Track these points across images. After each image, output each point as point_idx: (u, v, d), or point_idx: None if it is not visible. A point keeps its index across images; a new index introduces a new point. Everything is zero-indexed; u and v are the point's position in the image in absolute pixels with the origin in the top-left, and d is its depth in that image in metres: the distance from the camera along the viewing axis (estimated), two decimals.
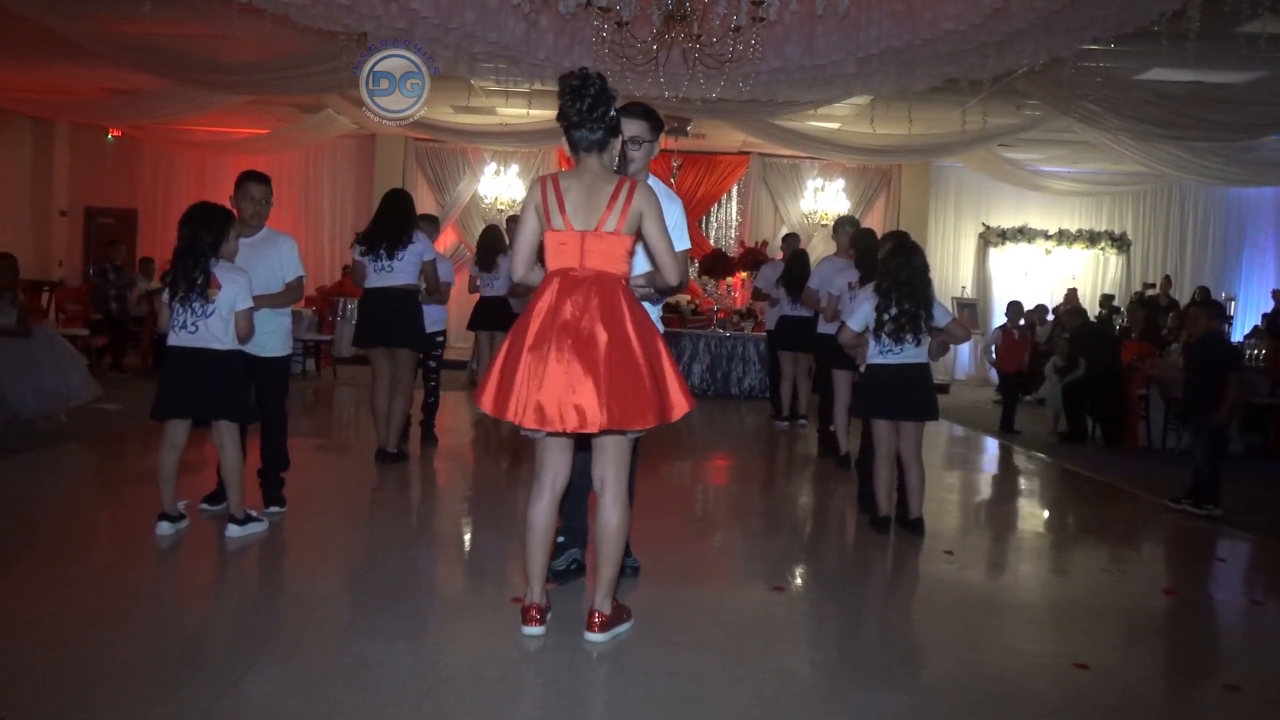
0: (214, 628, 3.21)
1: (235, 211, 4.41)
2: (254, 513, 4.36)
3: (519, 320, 3.10)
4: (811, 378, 9.04)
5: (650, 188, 3.16)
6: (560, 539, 3.66)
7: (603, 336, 2.96)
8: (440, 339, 6.78)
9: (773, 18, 6.56)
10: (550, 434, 3.07)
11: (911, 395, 4.78)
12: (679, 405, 3.07)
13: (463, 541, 4.76)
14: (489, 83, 9.84)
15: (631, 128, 3.44)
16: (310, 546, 4.33)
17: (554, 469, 3.17)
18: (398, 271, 5.86)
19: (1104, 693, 3.10)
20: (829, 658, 3.32)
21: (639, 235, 3.11)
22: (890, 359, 4.74)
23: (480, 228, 14.40)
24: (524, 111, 11.73)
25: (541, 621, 3.16)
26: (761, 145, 13.65)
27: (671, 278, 3.19)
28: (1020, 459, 8.02)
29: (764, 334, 10.71)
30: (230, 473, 4.25)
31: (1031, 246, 14.85)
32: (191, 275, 4.02)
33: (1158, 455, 8.39)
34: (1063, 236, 14.84)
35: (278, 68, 9.75)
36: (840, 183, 14.38)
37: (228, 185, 15.51)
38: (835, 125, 12.32)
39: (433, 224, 7.05)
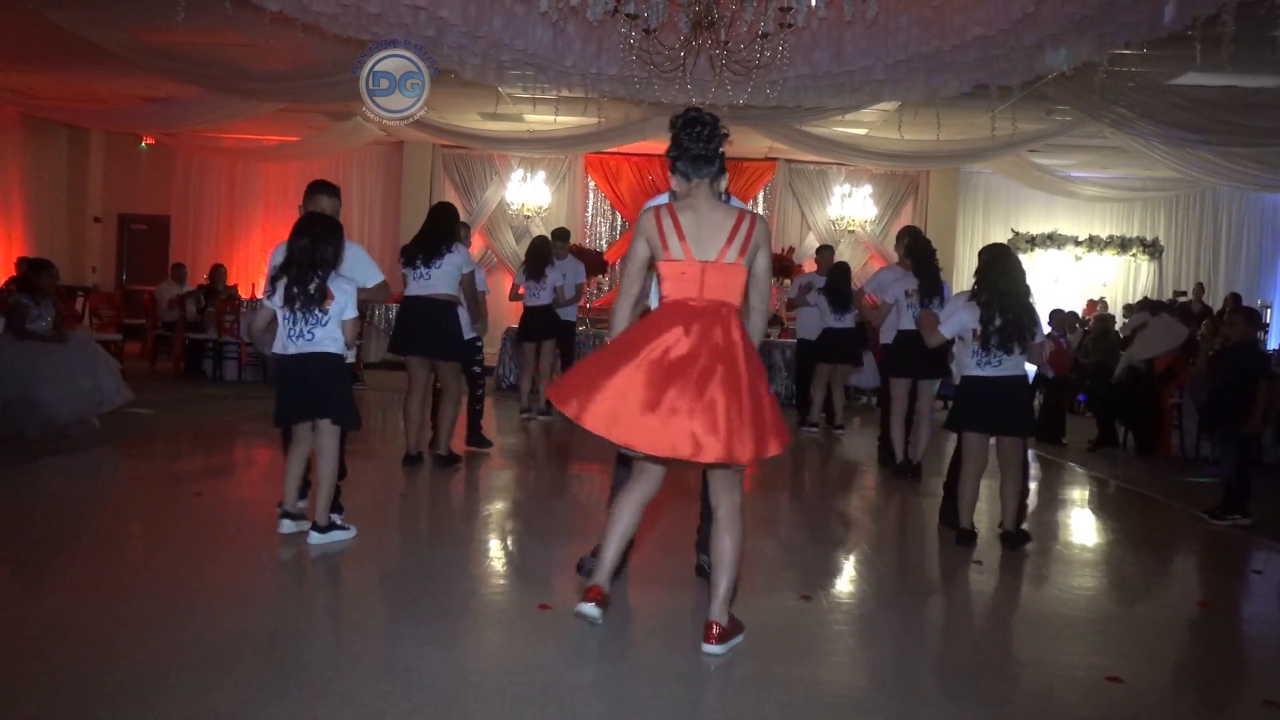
0: (245, 631, 3.23)
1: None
2: (338, 519, 4.42)
3: (626, 338, 3.14)
4: (843, 387, 9.10)
5: (765, 222, 3.25)
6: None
7: (719, 370, 2.99)
8: (479, 344, 6.82)
9: (800, 24, 6.55)
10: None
11: (1013, 409, 4.75)
12: (774, 444, 3.08)
13: (493, 547, 4.77)
14: (516, 90, 9.89)
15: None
16: (337, 553, 4.36)
17: (652, 478, 3.26)
18: (435, 280, 5.95)
19: (1138, 706, 3.05)
20: (857, 668, 3.30)
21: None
22: (989, 371, 4.71)
23: (507, 234, 14.60)
24: (551, 118, 11.77)
25: (601, 605, 3.16)
26: (788, 151, 13.62)
27: (763, 308, 3.28)
28: (1050, 468, 7.93)
29: (791, 340, 10.72)
30: (324, 478, 4.31)
31: (1061, 253, 14.71)
32: (309, 288, 4.14)
33: (1190, 464, 8.27)
34: (1093, 243, 14.68)
35: (308, 76, 9.85)
36: (868, 189, 14.32)
37: (258, 192, 15.90)
38: (863, 131, 12.26)
39: (465, 230, 7.10)
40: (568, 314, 9.01)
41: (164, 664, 2.89)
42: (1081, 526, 6.12)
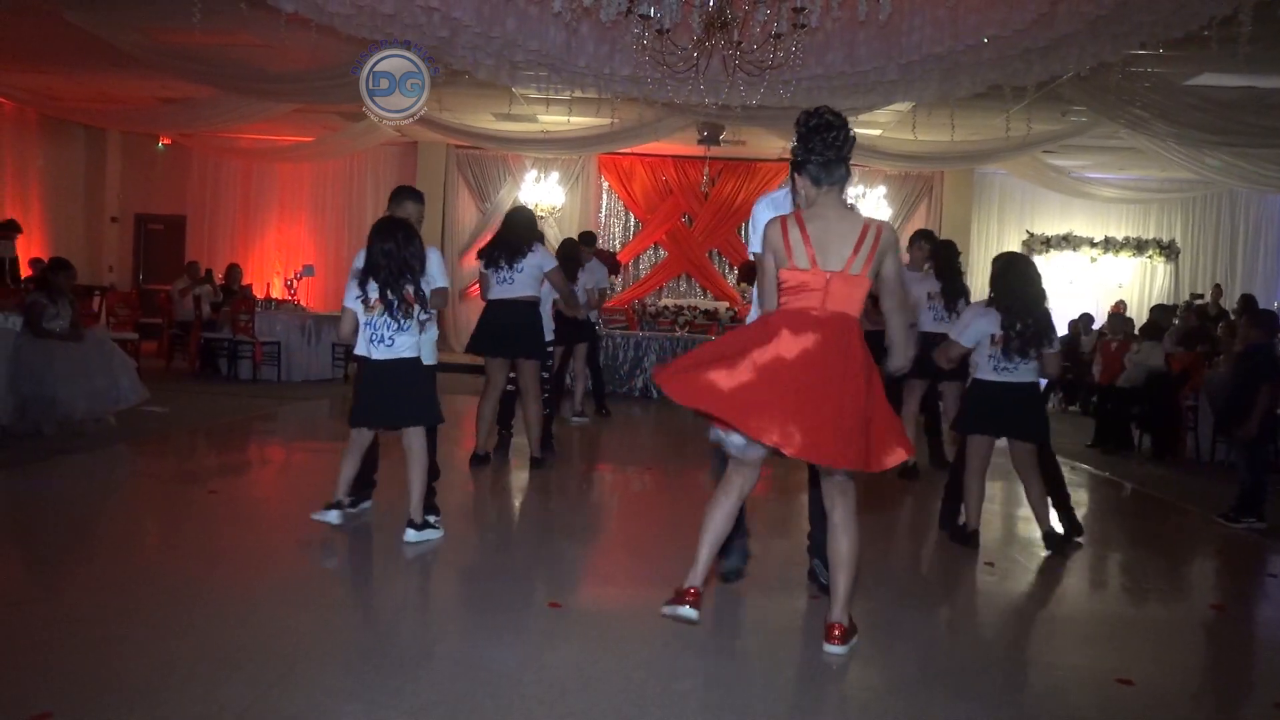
0: (256, 628, 3.26)
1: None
2: (432, 519, 4.45)
3: (744, 332, 3.15)
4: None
5: (892, 230, 3.18)
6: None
7: (836, 378, 2.97)
8: (550, 349, 6.84)
9: (814, 24, 6.54)
10: (755, 450, 3.09)
11: (1025, 414, 4.76)
12: (896, 453, 3.06)
13: (505, 546, 4.78)
14: (530, 90, 9.91)
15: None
16: (349, 550, 4.38)
17: (748, 479, 3.23)
18: (518, 283, 6.01)
19: (1148, 709, 3.04)
20: (868, 668, 3.29)
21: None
22: (1005, 376, 4.70)
23: None
24: (565, 119, 11.79)
25: (698, 605, 3.12)
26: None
27: (900, 314, 3.22)
28: (1064, 471, 7.88)
29: None
30: (414, 478, 4.36)
31: (1077, 254, 14.63)
32: (399, 288, 4.20)
33: (1206, 468, 8.21)
34: (1109, 244, 14.60)
35: (322, 77, 9.90)
36: (881, 190, 14.30)
37: (273, 192, 16.01)
38: (877, 131, 12.23)
39: (542, 233, 7.13)
40: (590, 317, 9.03)
41: (176, 660, 2.91)
42: (1094, 529, 6.09)
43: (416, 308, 4.25)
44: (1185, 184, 13.78)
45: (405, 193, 4.71)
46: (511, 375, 6.34)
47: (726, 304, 14.12)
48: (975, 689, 3.13)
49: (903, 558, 4.93)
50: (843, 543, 3.19)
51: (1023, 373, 4.69)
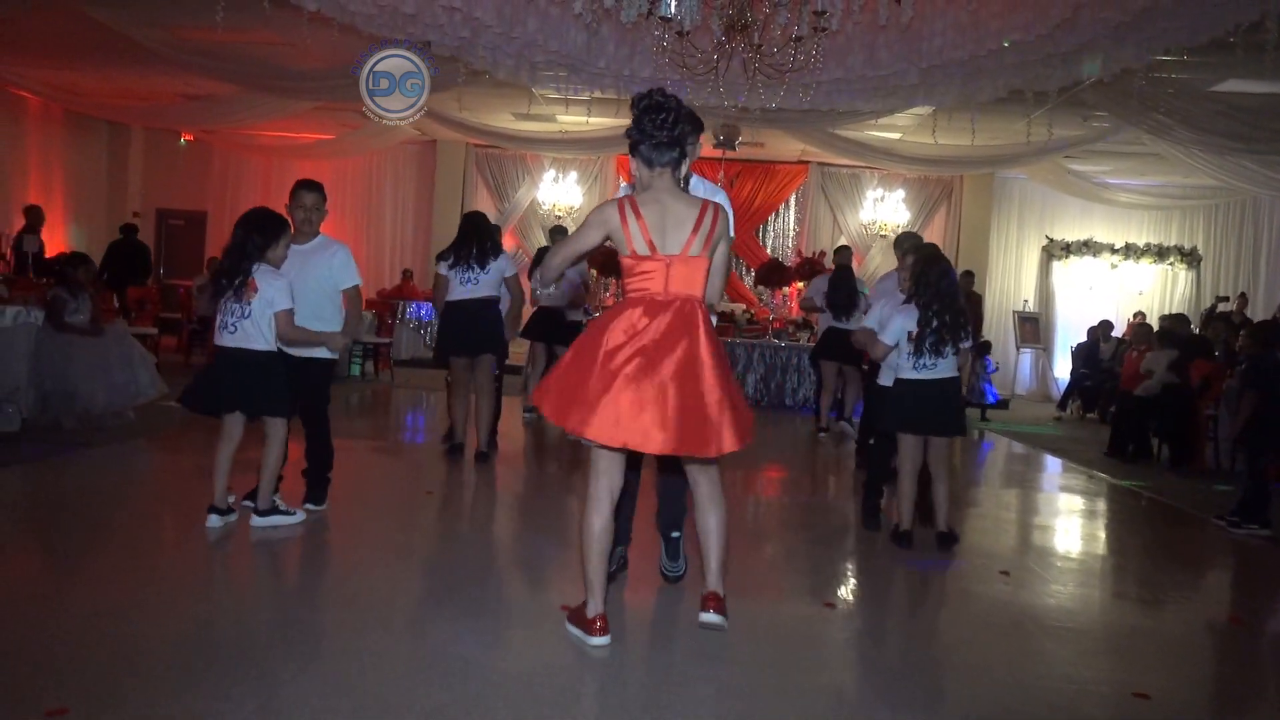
0: (270, 626, 3.27)
1: (290, 219, 4.52)
2: (281, 505, 4.47)
3: (590, 332, 3.14)
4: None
5: (726, 212, 3.22)
6: None
7: (680, 362, 2.99)
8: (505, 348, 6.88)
9: (835, 28, 6.52)
10: (610, 448, 3.10)
11: (946, 411, 4.76)
12: (732, 439, 3.07)
13: (515, 546, 4.79)
14: (549, 90, 9.92)
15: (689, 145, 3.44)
16: (363, 548, 4.40)
17: (611, 479, 3.20)
18: (483, 284, 6.14)
19: None
20: (880, 678, 3.28)
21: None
22: (925, 374, 4.70)
23: (539, 234, 14.64)
24: (583, 119, 11.81)
25: (608, 630, 3.17)
26: (821, 154, 13.57)
27: (716, 298, 3.27)
28: (1081, 479, 7.84)
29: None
30: (266, 466, 4.38)
31: (1097, 260, 14.52)
32: (234, 275, 4.17)
33: (1225, 478, 8.13)
34: (1129, 250, 14.48)
35: (343, 75, 9.90)
36: (900, 193, 14.24)
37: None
38: (897, 135, 12.19)
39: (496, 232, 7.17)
40: (574, 315, 9.02)
41: (191, 655, 2.93)
42: (1109, 538, 6.05)
43: (255, 297, 4.16)
44: (1208, 190, 13.66)
45: (301, 184, 4.74)
46: None
47: (744, 306, 14.10)
48: (986, 699, 3.11)
49: (896, 571, 4.90)
50: (711, 517, 3.22)
51: (943, 368, 4.69)
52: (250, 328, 4.21)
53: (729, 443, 3.04)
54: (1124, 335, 12.63)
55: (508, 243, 14.64)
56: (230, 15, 7.06)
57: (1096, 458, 8.79)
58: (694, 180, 3.62)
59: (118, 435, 6.63)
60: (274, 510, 4.42)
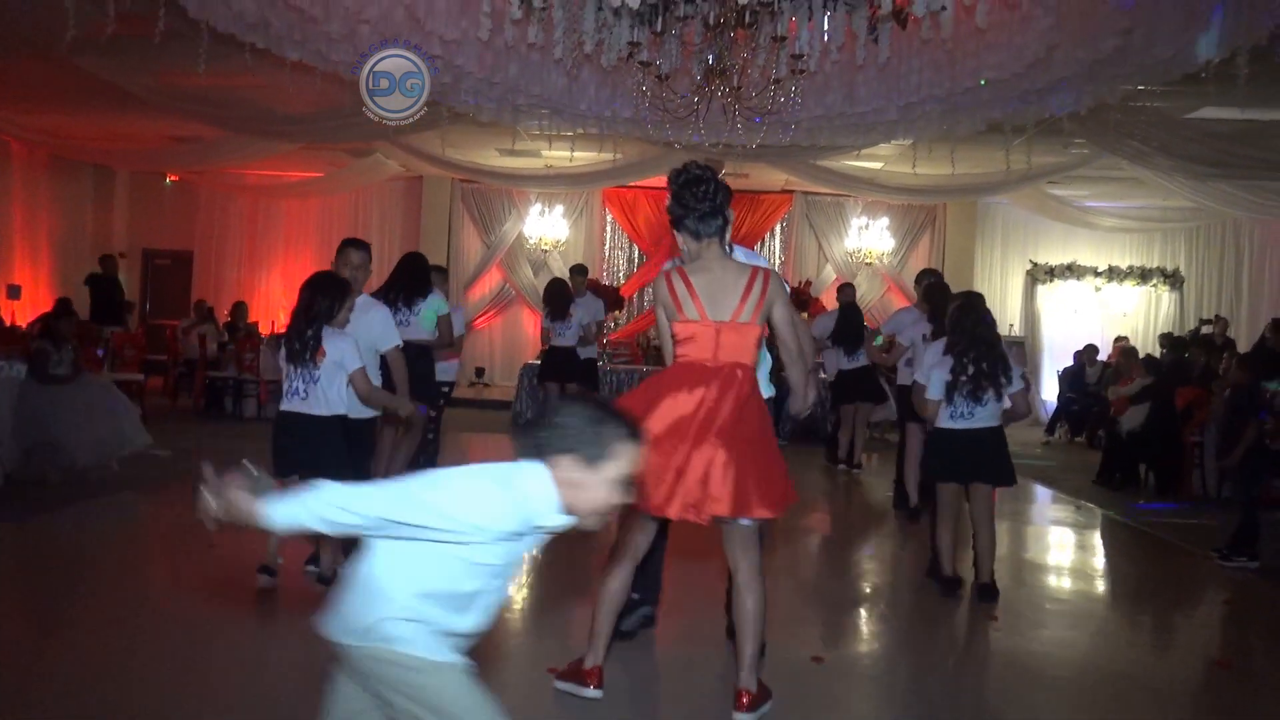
0: (253, 685, 3.25)
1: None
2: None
3: (640, 394, 3.14)
4: (869, 425, 9.05)
5: (780, 277, 3.23)
6: (634, 595, 3.67)
7: (722, 430, 2.99)
8: (446, 389, 6.85)
9: (813, 69, 6.58)
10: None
11: (985, 459, 4.69)
12: (786, 501, 3.12)
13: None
14: (533, 128, 9.98)
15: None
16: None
17: (637, 543, 3.22)
18: (413, 326, 6.02)
19: None
20: None
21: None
22: (960, 423, 4.65)
23: (525, 268, 14.70)
24: (568, 154, 11.87)
25: (601, 684, 3.17)
26: (804, 184, 13.66)
27: (798, 356, 3.23)
28: (1068, 510, 7.85)
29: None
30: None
31: (1080, 283, 14.62)
32: (304, 337, 4.18)
33: (1213, 505, 8.16)
34: (1113, 273, 14.60)
35: (331, 117, 10.00)
36: (885, 220, 14.33)
37: (279, 227, 16.04)
38: (878, 165, 12.28)
39: (442, 275, 7.12)
40: (587, 352, 9.03)
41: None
42: (1099, 577, 6.06)
43: (324, 361, 4.17)
44: (1188, 212, 13.78)
45: (347, 243, 4.79)
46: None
47: None
48: None
49: (904, 608, 4.89)
50: (748, 602, 3.15)
51: (980, 418, 4.64)
52: (319, 392, 4.20)
53: (758, 510, 3.01)
54: (1108, 359, 12.70)
55: (494, 277, 14.73)
56: (213, 63, 7.08)
57: (1085, 486, 8.81)
58: (736, 250, 3.63)
59: (103, 488, 6.59)
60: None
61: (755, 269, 3.16)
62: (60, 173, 13.96)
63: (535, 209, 14.51)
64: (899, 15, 5.97)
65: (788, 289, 3.71)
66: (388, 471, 6.12)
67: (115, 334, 10.79)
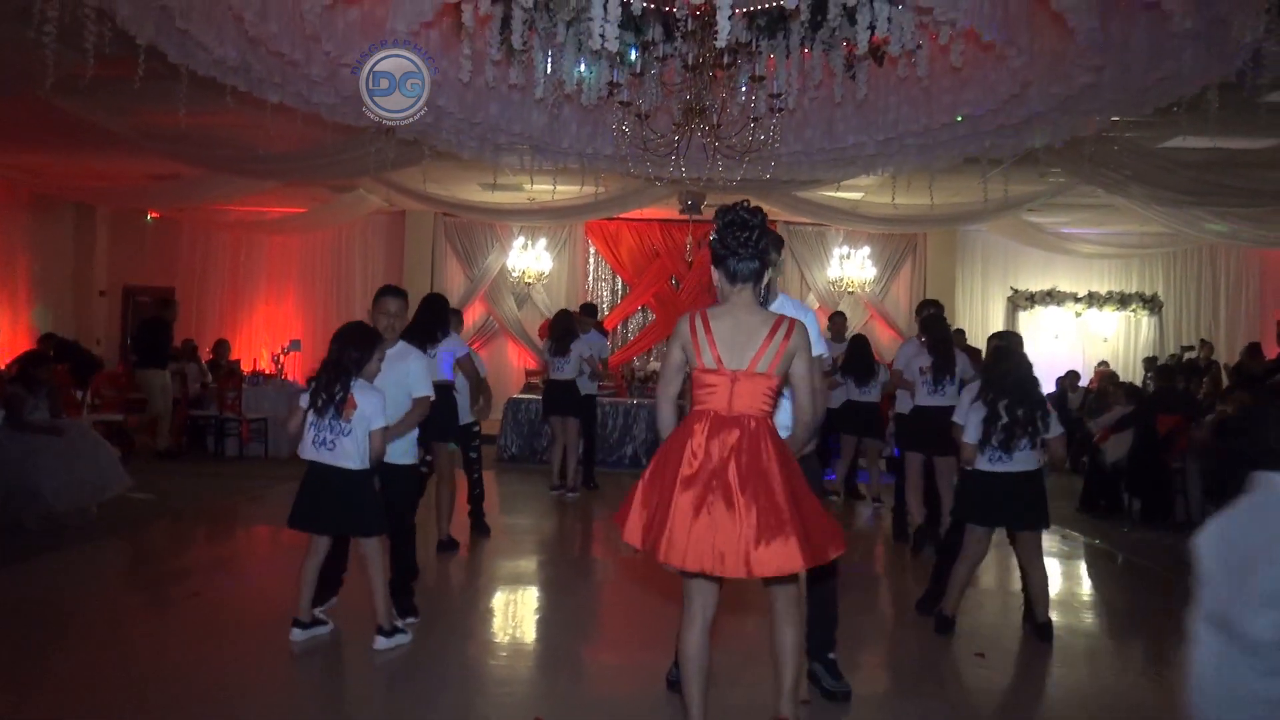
0: None
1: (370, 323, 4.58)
2: (400, 624, 4.43)
3: (663, 454, 3.10)
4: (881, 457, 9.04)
5: (805, 327, 3.16)
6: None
7: (744, 483, 2.93)
8: (476, 428, 6.87)
9: (791, 106, 6.65)
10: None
11: (1022, 503, 4.68)
12: (833, 547, 3.05)
13: (489, 646, 4.72)
14: (515, 166, 10.03)
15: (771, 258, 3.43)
16: (334, 657, 4.33)
17: (703, 600, 3.16)
18: (431, 368, 6.02)
19: None
20: None
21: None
22: (999, 467, 4.63)
23: (509, 301, 14.70)
24: (550, 188, 11.91)
25: None
26: (786, 214, 13.75)
27: (808, 415, 3.19)
28: (1055, 539, 7.86)
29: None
30: (377, 585, 4.32)
31: (1061, 309, 14.75)
32: (332, 390, 4.16)
33: (1197, 530, 8.18)
34: (1093, 299, 14.74)
35: (310, 156, 10.02)
36: (866, 250, 14.43)
37: (262, 264, 15.93)
38: (858, 195, 12.38)
39: (456, 317, 7.18)
40: (588, 387, 9.06)
41: None
42: (1085, 609, 6.06)
43: (354, 414, 4.17)
44: (1166, 238, 13.94)
45: (386, 291, 4.80)
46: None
47: None
48: None
49: (889, 647, 4.88)
50: (787, 634, 3.16)
51: (1018, 462, 4.62)
52: (350, 445, 4.19)
53: (799, 560, 2.93)
54: (1090, 385, 12.79)
55: (476, 310, 14.72)
56: (194, 104, 7.08)
57: (1069, 513, 8.82)
58: (781, 298, 3.61)
59: (81, 535, 6.51)
60: (396, 630, 4.35)
61: (780, 318, 3.11)
62: (40, 211, 13.89)
63: (518, 242, 14.54)
64: (875, 53, 6.04)
65: (813, 318, 3.64)
66: (447, 515, 6.28)
67: (97, 375, 10.69)
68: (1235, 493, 5.73)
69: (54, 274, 14.31)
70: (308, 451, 4.25)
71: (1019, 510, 4.70)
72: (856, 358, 8.53)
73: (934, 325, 6.64)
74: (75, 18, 5.60)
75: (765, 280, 3.23)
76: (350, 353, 4.21)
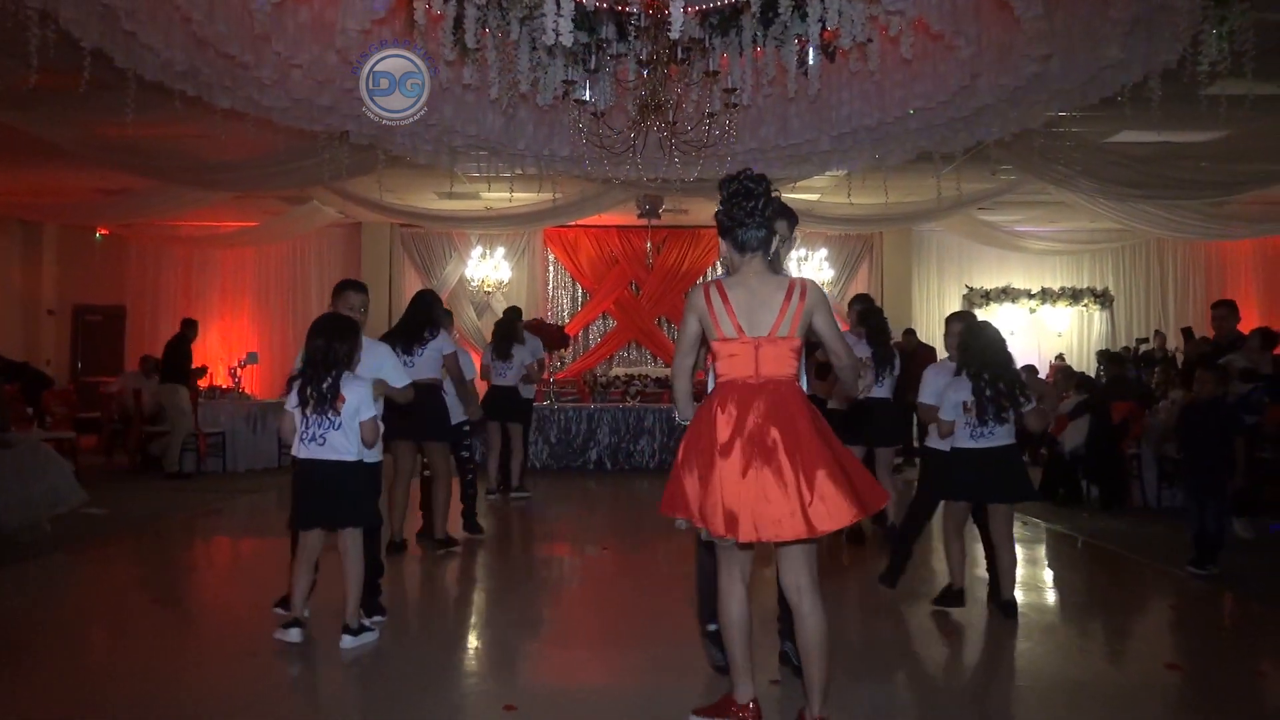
0: None
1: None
2: (367, 622, 4.37)
3: (694, 430, 3.09)
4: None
5: (818, 286, 3.17)
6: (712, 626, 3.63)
7: (784, 444, 2.93)
8: (467, 428, 6.82)
9: (746, 103, 6.69)
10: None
11: (1006, 477, 4.76)
12: (877, 497, 3.05)
13: (462, 640, 4.67)
14: (471, 170, 9.99)
15: (779, 228, 3.43)
16: (307, 657, 4.25)
17: (741, 564, 3.15)
18: (419, 366, 6.03)
19: None
20: None
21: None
22: (984, 442, 4.70)
23: (469, 310, 14.62)
24: (507, 195, 11.89)
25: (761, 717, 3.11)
26: None
27: (845, 360, 3.18)
28: (1016, 526, 7.95)
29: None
30: (352, 581, 4.28)
31: (1015, 306, 15.00)
32: (322, 385, 4.11)
33: (1153, 515, 8.34)
34: (1046, 295, 15.01)
35: (262, 165, 9.90)
36: (823, 252, 14.57)
37: (215, 279, 15.71)
38: (815, 196, 12.50)
39: (448, 316, 7.14)
40: (528, 391, 9.01)
41: None
42: (1047, 587, 6.13)
43: (346, 404, 4.15)
44: (1114, 234, 14.25)
45: (347, 285, 4.76)
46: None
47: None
48: None
49: (859, 624, 4.90)
50: (813, 626, 3.07)
51: (1000, 436, 4.71)
52: (340, 439, 4.16)
53: (852, 512, 2.94)
54: (1047, 378, 12.98)
55: None
56: (142, 112, 6.96)
57: (1029, 502, 8.93)
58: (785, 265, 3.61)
59: (34, 550, 6.34)
60: (364, 629, 4.30)
61: (793, 280, 3.12)
62: None
63: (476, 251, 14.48)
64: (826, 48, 6.10)
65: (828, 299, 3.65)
66: (443, 514, 6.26)
67: (47, 392, 10.46)
68: (1213, 472, 5.82)
69: (1, 293, 14.00)
70: (299, 449, 4.22)
71: (1002, 483, 4.78)
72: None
73: (872, 316, 6.66)
74: (17, 21, 5.50)
75: (773, 249, 3.22)
76: (339, 346, 4.17)
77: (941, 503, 5.21)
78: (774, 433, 2.95)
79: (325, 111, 7.12)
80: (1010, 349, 4.88)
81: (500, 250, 14.59)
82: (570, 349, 14.42)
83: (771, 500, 2.90)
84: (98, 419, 11.63)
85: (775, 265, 3.31)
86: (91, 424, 11.72)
